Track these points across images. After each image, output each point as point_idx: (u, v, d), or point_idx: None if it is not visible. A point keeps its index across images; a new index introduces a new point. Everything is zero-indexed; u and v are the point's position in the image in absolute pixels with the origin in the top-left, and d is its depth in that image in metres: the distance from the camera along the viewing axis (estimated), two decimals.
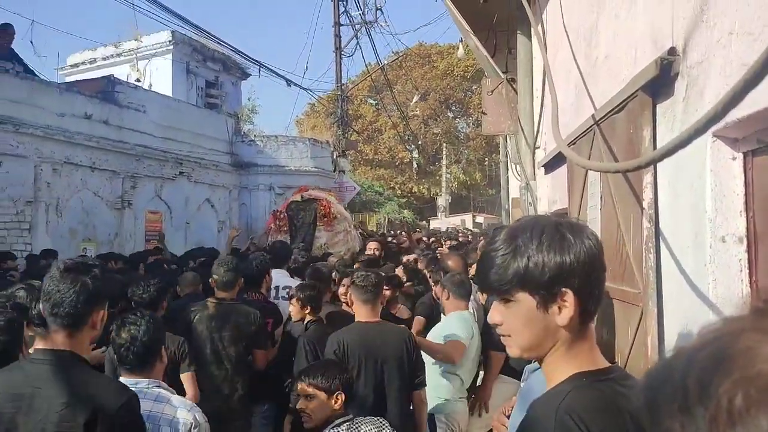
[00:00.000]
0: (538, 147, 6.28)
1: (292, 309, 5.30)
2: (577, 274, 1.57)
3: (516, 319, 1.62)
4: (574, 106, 4.43)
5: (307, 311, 5.25)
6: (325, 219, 12.60)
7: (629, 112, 2.99)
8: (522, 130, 6.64)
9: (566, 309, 1.57)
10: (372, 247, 9.44)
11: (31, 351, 2.85)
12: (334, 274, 7.35)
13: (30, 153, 12.35)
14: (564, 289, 1.57)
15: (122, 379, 3.09)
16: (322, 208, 12.69)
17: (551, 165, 5.42)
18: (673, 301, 2.61)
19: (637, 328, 2.88)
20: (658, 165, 2.69)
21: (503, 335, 1.67)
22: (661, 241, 2.69)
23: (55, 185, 12.97)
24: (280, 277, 6.88)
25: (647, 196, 2.74)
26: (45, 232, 12.65)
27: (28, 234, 12.35)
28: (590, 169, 3.50)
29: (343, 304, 5.87)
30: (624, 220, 3.08)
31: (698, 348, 0.77)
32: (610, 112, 3.26)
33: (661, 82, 2.61)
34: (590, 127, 3.68)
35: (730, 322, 0.77)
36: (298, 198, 13.06)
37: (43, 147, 12.62)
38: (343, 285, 5.77)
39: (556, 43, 5.15)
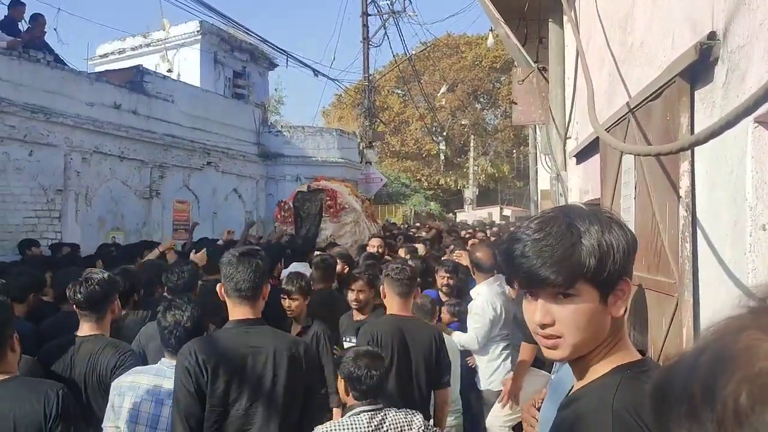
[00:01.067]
0: (570, 137, 6.20)
1: (293, 303, 5.14)
2: (631, 260, 1.50)
3: (576, 316, 1.48)
4: (607, 95, 4.36)
5: (306, 301, 5.21)
6: (332, 210, 12.08)
7: (666, 99, 2.93)
8: (553, 119, 6.56)
9: (623, 299, 1.50)
10: (375, 245, 8.80)
11: None
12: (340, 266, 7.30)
13: (60, 142, 12.48)
14: (625, 277, 1.49)
15: (164, 361, 3.43)
16: (328, 198, 12.18)
17: (583, 154, 5.35)
18: (709, 290, 2.55)
19: (672, 319, 2.83)
20: (696, 153, 2.63)
21: (551, 336, 1.52)
22: (698, 229, 2.63)
23: (84, 174, 13.10)
24: (300, 268, 6.83)
25: (684, 184, 2.68)
26: (74, 221, 12.78)
27: (58, 222, 12.49)
28: (629, 153, 3.43)
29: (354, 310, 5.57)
30: (659, 209, 3.02)
31: (700, 351, 0.76)
32: (645, 99, 3.20)
33: (700, 67, 2.55)
34: (624, 115, 3.61)
35: (730, 323, 0.76)
36: (304, 188, 12.60)
37: (72, 136, 12.75)
38: (353, 290, 5.46)
39: (590, 31, 5.07)
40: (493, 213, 40.75)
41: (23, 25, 12.55)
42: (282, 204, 12.27)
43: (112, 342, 3.85)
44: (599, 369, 1.54)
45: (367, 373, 3.43)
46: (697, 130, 2.59)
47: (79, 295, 3.75)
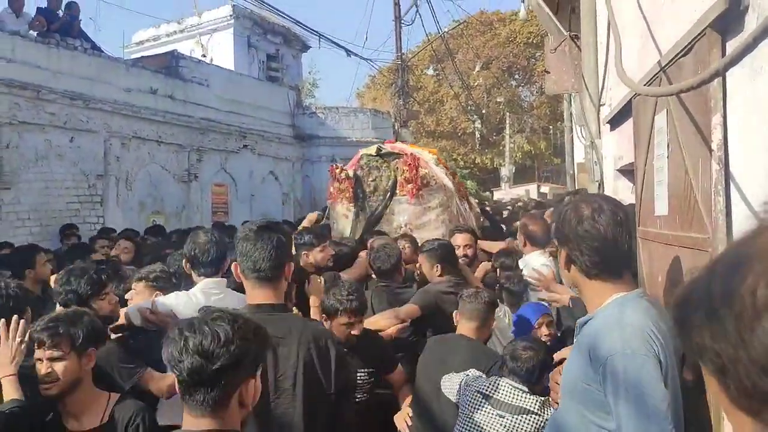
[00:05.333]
0: (603, 104, 6.14)
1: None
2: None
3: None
4: (638, 56, 4.31)
5: None
6: (410, 186, 7.49)
7: (696, 52, 2.89)
8: (586, 87, 6.50)
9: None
10: (460, 244, 6.01)
11: None
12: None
13: (99, 128, 12.71)
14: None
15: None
16: (405, 168, 7.56)
17: (616, 120, 5.30)
18: None
19: None
20: (729, 104, 2.60)
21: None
22: (731, 183, 2.61)
23: (124, 159, 13.33)
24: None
25: (716, 137, 2.65)
26: (116, 205, 13.04)
27: (100, 207, 12.75)
28: (651, 95, 3.43)
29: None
30: (692, 165, 2.99)
31: (717, 260, 0.80)
32: (676, 55, 3.16)
33: (730, 17, 2.51)
34: (656, 74, 3.57)
35: (746, 233, 0.79)
36: (372, 151, 8.08)
37: (111, 122, 12.98)
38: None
39: None
40: (531, 190, 40.33)
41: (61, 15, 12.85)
42: (336, 171, 7.91)
43: None
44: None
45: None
46: (728, 80, 2.56)
47: None
